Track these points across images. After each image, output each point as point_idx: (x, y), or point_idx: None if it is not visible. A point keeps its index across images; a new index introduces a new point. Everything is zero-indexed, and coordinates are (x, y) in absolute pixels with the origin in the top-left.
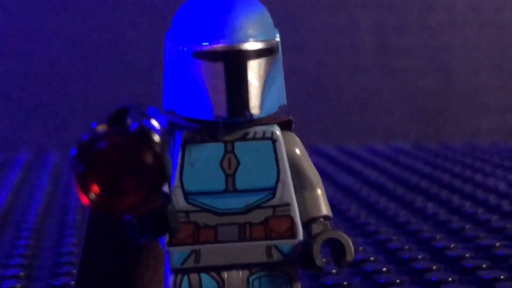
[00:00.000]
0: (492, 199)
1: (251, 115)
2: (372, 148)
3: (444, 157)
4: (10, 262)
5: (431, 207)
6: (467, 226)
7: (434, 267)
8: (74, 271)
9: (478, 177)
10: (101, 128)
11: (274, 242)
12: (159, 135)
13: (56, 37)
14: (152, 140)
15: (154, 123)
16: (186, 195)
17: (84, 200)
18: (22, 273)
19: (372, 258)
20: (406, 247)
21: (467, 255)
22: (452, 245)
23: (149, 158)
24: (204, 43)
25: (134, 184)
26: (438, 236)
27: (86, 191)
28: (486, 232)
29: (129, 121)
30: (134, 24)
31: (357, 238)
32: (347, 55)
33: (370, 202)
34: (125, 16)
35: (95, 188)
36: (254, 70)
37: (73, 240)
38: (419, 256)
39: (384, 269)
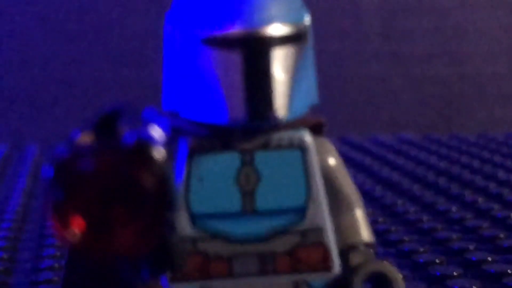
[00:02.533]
0: (507, 193)
1: (276, 118)
2: (378, 139)
3: (455, 149)
4: None
5: (442, 202)
6: (485, 225)
7: (455, 273)
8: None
9: (493, 170)
10: (85, 140)
11: (304, 276)
12: (162, 150)
13: (34, 19)
14: (152, 158)
15: (155, 132)
16: (194, 218)
17: (63, 237)
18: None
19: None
20: (422, 249)
21: (489, 258)
22: (472, 247)
23: (148, 182)
24: (216, 27)
25: (129, 216)
26: (454, 236)
27: (66, 225)
28: (506, 231)
29: (121, 130)
30: (121, 3)
31: None
32: (350, 40)
33: (375, 196)
34: None
35: (78, 222)
36: (280, 61)
37: (53, 251)
38: (437, 260)
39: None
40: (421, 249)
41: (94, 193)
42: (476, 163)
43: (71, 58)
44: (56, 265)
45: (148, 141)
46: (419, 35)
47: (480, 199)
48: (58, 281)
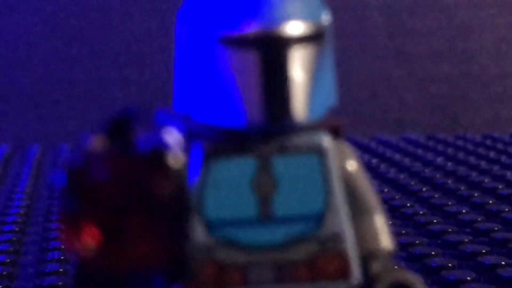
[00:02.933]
0: None
1: (294, 120)
2: (383, 139)
3: (461, 149)
4: None
5: (452, 204)
6: (496, 228)
7: (468, 278)
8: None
9: (501, 172)
10: (98, 145)
11: (322, 285)
12: (179, 156)
13: (36, 18)
14: (169, 165)
15: (171, 136)
16: (208, 225)
17: (76, 250)
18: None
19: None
20: (433, 252)
21: (503, 262)
22: (484, 251)
23: (166, 190)
24: (232, 26)
25: (146, 227)
26: (466, 239)
27: (80, 238)
28: None
29: (135, 134)
30: (124, 3)
31: None
32: (354, 38)
33: (384, 198)
34: None
35: (93, 234)
36: (298, 61)
37: (58, 254)
38: (450, 264)
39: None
40: (433, 253)
41: (109, 202)
42: (483, 164)
43: (73, 57)
44: (61, 269)
45: (165, 147)
46: (424, 33)
47: (491, 201)
48: (63, 286)
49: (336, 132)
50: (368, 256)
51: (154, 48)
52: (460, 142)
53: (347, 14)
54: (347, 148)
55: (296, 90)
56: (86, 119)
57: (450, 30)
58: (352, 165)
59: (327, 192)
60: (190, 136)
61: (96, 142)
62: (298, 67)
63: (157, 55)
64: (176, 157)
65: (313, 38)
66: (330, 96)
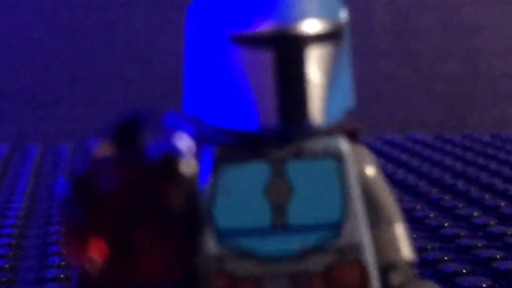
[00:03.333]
0: None
1: (311, 124)
2: (388, 139)
3: (470, 149)
4: None
5: (463, 206)
6: (510, 231)
7: (484, 285)
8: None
9: (509, 172)
10: (105, 152)
11: None
12: (191, 163)
13: (37, 17)
14: (181, 174)
15: (182, 142)
16: (220, 235)
17: (81, 265)
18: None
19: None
20: (446, 258)
21: None
22: (499, 256)
23: (177, 201)
24: (245, 23)
25: (157, 240)
26: (479, 244)
27: (85, 252)
28: None
29: (143, 140)
30: (125, 1)
31: None
32: (360, 37)
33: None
34: None
35: (100, 248)
36: (315, 61)
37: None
38: (464, 270)
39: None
40: (446, 258)
41: (116, 214)
42: (493, 165)
43: (74, 56)
44: (62, 275)
45: (176, 154)
46: (431, 31)
47: (503, 204)
48: None
49: (353, 136)
50: (387, 267)
51: (157, 46)
52: (467, 142)
53: (351, 11)
54: (365, 152)
55: (313, 91)
56: (87, 118)
57: (457, 28)
58: (371, 170)
59: (346, 199)
60: (200, 141)
61: (103, 149)
62: (315, 67)
63: (160, 54)
64: (188, 164)
65: (331, 37)
66: (347, 98)
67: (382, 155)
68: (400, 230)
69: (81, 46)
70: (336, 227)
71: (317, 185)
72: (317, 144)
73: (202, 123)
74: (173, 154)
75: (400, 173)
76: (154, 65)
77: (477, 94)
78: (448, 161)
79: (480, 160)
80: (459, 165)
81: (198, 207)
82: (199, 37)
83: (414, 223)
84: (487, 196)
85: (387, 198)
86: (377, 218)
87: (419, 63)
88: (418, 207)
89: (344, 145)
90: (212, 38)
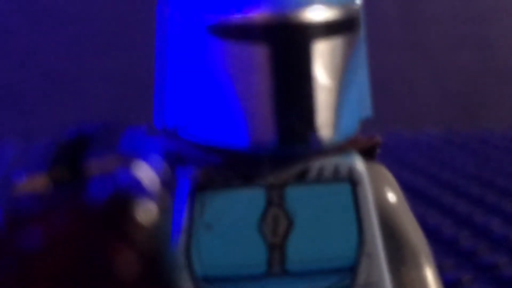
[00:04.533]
0: None
1: (318, 140)
2: (396, 136)
3: (482, 149)
4: None
5: (480, 214)
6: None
7: None
8: None
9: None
10: (34, 187)
11: None
12: (154, 207)
13: (14, 5)
14: (138, 224)
15: (143, 172)
16: (198, 282)
17: None
18: None
19: None
20: (466, 277)
21: None
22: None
23: (129, 263)
24: (232, 9)
25: None
26: (501, 261)
27: None
28: None
29: (91, 169)
30: None
31: None
32: (366, 28)
33: None
34: None
35: None
36: (323, 59)
37: None
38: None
39: None
40: (466, 277)
41: (45, 280)
42: (501, 161)
43: (53, 48)
44: None
45: (129, 193)
46: (441, 22)
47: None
48: None
49: (369, 153)
50: None
51: (143, 37)
52: (479, 140)
53: None
54: (385, 172)
55: (321, 98)
56: (67, 114)
57: (469, 19)
58: (392, 196)
59: (362, 233)
60: (175, 162)
61: (32, 182)
62: (323, 66)
63: (147, 45)
64: (147, 209)
65: (342, 27)
66: (363, 105)
67: (388, 152)
68: (428, 271)
69: (62, 37)
70: (351, 267)
71: (325, 217)
72: (326, 164)
73: (178, 138)
74: (125, 194)
75: (405, 171)
76: (144, 59)
77: (492, 88)
78: (459, 161)
79: (493, 163)
80: (471, 167)
81: (166, 268)
82: (172, 27)
83: (423, 230)
84: (503, 202)
85: (413, 230)
86: (400, 254)
87: (429, 55)
88: (429, 213)
89: (359, 165)
90: (189, 28)
